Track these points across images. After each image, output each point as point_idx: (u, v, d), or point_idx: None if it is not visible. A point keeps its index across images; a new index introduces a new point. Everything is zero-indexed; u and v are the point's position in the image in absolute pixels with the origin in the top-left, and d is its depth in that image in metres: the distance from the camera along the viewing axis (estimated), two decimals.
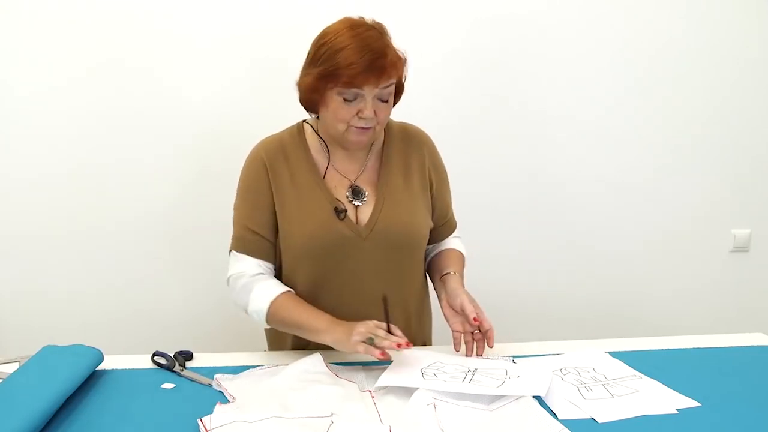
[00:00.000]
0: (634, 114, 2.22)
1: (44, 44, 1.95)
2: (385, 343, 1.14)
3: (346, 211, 1.30)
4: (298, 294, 1.31)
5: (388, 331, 1.17)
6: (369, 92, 1.21)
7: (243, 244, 1.32)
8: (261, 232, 1.31)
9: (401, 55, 1.25)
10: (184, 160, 2.07)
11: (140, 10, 1.96)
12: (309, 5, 1.98)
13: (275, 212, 1.31)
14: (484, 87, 2.14)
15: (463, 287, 1.35)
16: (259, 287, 1.28)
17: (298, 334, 1.28)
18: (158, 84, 2.01)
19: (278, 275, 1.36)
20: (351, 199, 1.32)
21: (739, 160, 2.29)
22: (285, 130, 1.40)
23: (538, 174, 2.22)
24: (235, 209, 1.36)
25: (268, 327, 1.32)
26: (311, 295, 1.30)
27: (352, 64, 1.17)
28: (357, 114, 1.23)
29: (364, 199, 1.32)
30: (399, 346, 1.13)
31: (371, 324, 1.18)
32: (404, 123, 1.44)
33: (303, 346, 1.35)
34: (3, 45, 1.94)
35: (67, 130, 2.01)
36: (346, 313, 1.25)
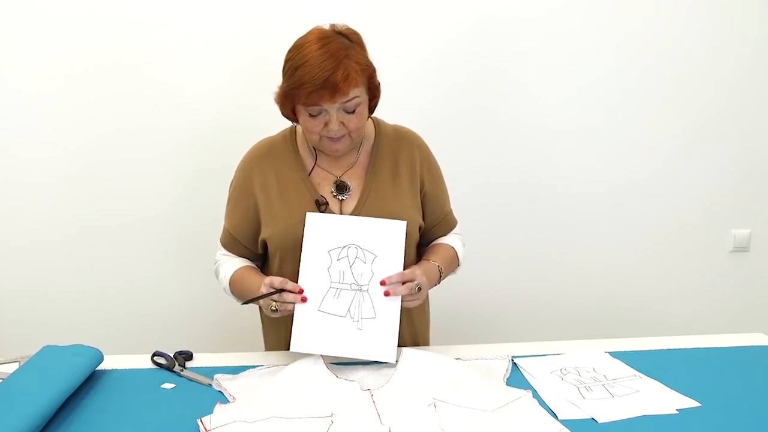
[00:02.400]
0: (634, 114, 2.21)
1: (43, 45, 1.95)
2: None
3: (327, 203, 1.31)
4: None
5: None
6: (330, 107, 1.21)
7: (227, 243, 1.41)
8: (241, 240, 1.38)
9: (365, 66, 1.22)
10: (183, 160, 2.07)
11: (139, 12, 1.96)
12: (306, 5, 1.97)
13: (258, 219, 1.35)
14: (482, 87, 2.13)
15: (426, 269, 1.31)
16: (227, 264, 1.39)
17: (251, 301, 1.29)
18: (157, 85, 2.01)
19: (268, 274, 1.37)
20: (335, 194, 1.34)
21: (739, 160, 2.28)
22: (280, 132, 1.42)
23: (538, 174, 2.22)
24: (225, 207, 1.41)
25: (237, 300, 1.37)
26: None
27: (305, 84, 1.17)
28: (325, 126, 1.24)
29: (349, 193, 1.34)
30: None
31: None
32: (398, 125, 1.44)
33: None
34: (3, 45, 1.94)
35: (66, 131, 2.01)
36: None
